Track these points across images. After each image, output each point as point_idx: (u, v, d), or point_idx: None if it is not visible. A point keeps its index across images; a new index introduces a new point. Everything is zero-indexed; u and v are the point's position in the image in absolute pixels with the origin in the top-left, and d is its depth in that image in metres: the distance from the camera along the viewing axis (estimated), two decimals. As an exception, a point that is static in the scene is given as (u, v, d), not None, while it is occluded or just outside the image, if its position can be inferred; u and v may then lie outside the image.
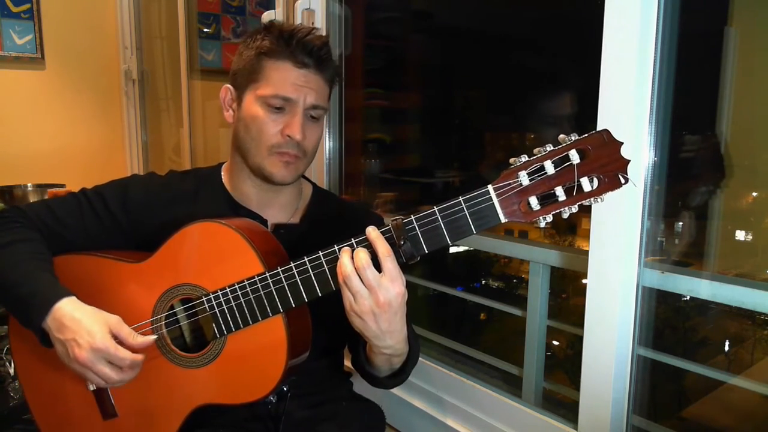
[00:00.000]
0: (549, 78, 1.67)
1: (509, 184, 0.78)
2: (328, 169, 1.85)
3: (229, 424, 1.07)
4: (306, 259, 0.89)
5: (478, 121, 1.99)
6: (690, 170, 1.24)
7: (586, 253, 1.12)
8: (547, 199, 0.78)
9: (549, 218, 0.78)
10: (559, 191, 0.77)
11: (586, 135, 0.76)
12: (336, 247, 0.87)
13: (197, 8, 2.63)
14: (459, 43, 1.90)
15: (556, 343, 1.68)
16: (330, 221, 1.17)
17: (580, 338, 1.14)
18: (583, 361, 1.14)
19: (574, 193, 0.77)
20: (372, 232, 0.84)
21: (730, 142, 1.18)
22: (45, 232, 1.06)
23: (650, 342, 1.14)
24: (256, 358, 0.95)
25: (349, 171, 1.91)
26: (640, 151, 1.05)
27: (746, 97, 1.16)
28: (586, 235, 1.12)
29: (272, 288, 0.91)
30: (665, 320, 1.26)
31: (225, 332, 0.95)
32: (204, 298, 0.96)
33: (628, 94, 1.02)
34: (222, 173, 1.16)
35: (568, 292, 1.68)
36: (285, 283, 0.90)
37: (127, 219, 1.10)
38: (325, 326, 1.00)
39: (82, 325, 0.91)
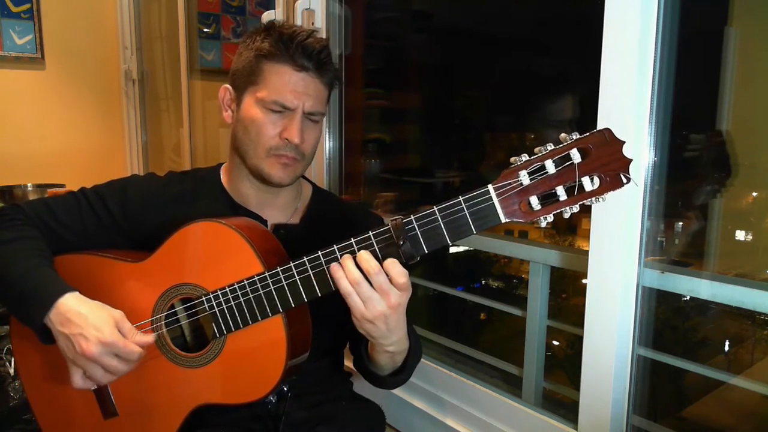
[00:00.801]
0: (549, 78, 1.67)
1: (509, 183, 0.78)
2: (328, 169, 1.85)
3: (229, 424, 1.07)
4: (305, 259, 0.89)
5: (478, 121, 1.99)
6: (690, 170, 1.24)
7: (586, 253, 1.12)
8: (548, 199, 0.77)
9: (550, 218, 0.78)
10: (560, 191, 0.76)
11: (587, 134, 0.75)
12: (335, 247, 0.87)
13: (197, 8, 2.63)
14: (459, 43, 1.90)
15: (556, 343, 1.68)
16: (330, 221, 1.17)
17: (580, 338, 1.14)
18: (583, 361, 1.14)
19: (576, 192, 0.76)
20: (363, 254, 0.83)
21: (730, 142, 1.18)
22: (44, 230, 1.06)
23: (650, 342, 1.14)
24: (256, 358, 0.95)
25: (349, 171, 1.91)
26: (640, 151, 1.05)
27: (746, 97, 1.16)
28: (586, 235, 1.12)
29: (272, 288, 0.91)
30: (665, 320, 1.26)
31: (225, 332, 0.95)
32: (204, 298, 0.96)
33: (628, 94, 1.02)
34: (221, 174, 1.16)
35: (568, 292, 1.68)
36: (284, 282, 0.90)
37: (126, 219, 1.09)
38: (325, 326, 1.00)
39: (89, 319, 0.91)
